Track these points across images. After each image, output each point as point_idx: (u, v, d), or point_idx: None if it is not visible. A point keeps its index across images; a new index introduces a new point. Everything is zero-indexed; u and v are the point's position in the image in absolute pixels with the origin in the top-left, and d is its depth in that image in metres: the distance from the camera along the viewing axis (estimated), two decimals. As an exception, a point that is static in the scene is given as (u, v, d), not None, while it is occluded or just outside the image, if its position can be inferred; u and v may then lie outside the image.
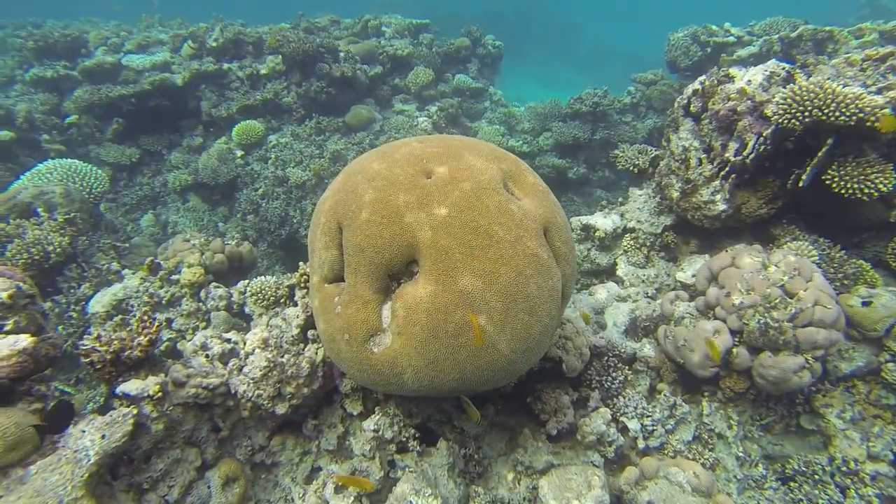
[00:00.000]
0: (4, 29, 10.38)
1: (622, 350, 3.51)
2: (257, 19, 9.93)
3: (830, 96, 2.94)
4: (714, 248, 4.07)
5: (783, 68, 3.59)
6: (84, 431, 2.26)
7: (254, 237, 6.24)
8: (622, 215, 4.53)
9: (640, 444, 3.12)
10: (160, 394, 2.45)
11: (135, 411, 2.36)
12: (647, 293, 4.03)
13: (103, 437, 2.26)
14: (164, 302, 4.00)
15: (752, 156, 3.45)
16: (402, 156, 2.56)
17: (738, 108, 3.55)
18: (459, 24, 11.71)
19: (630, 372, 3.45)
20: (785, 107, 3.13)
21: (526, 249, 2.35)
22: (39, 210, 4.40)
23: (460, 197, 2.36)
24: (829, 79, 3.36)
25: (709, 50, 7.08)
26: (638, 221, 4.39)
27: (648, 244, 4.30)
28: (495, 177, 2.53)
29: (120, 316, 3.89)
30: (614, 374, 3.35)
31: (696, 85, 3.94)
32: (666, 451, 3.18)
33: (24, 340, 2.17)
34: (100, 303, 4.06)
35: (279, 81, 7.48)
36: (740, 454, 3.10)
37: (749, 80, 3.62)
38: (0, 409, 2.08)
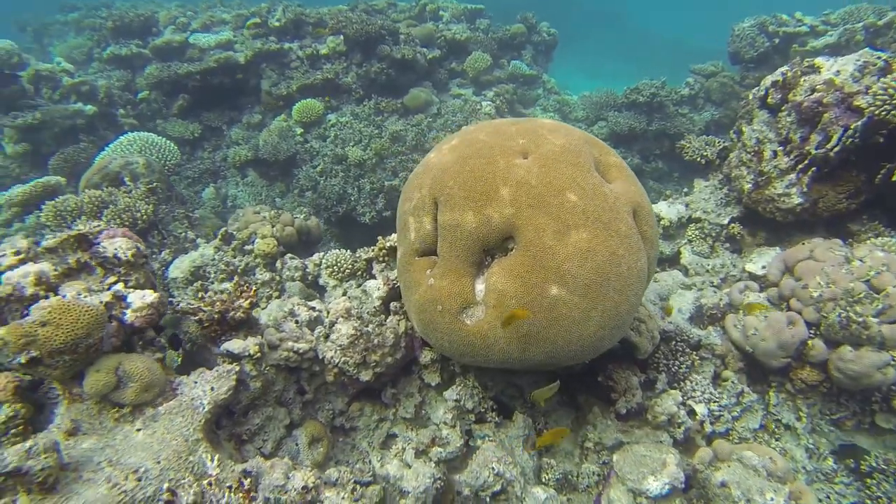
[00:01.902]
0: (80, 11, 10.83)
1: (689, 336, 3.53)
2: (314, 1, 10.07)
3: (931, 89, 2.87)
4: (784, 241, 4.03)
5: (879, 57, 3.50)
6: (196, 382, 2.44)
7: (311, 213, 6.42)
8: (687, 205, 4.51)
9: (707, 428, 3.16)
10: (259, 354, 2.62)
11: (237, 368, 2.53)
12: (712, 282, 4.03)
13: (212, 389, 2.43)
14: (239, 270, 4.19)
15: (837, 148, 3.39)
16: (498, 137, 2.63)
17: (825, 100, 3.49)
18: (510, 10, 11.61)
19: (697, 357, 3.48)
20: (885, 97, 3.07)
21: (619, 230, 2.41)
22: (126, 179, 4.65)
23: (556, 177, 2.43)
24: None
25: (776, 41, 6.88)
26: (704, 212, 4.37)
27: (714, 234, 4.28)
28: (588, 160, 2.59)
29: (199, 282, 4.10)
30: (682, 359, 3.38)
31: (777, 76, 3.88)
32: (731, 438, 3.21)
33: (151, 295, 2.35)
34: (178, 269, 4.29)
35: (339, 62, 7.61)
36: (810, 446, 3.11)
37: (838, 71, 3.55)
38: (135, 355, 2.27)
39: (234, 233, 4.44)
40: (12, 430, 2.06)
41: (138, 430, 2.26)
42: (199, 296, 3.69)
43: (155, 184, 4.68)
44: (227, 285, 3.93)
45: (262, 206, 4.77)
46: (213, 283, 4.04)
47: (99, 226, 2.80)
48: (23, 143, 6.03)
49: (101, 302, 2.34)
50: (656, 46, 24.00)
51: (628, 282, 2.42)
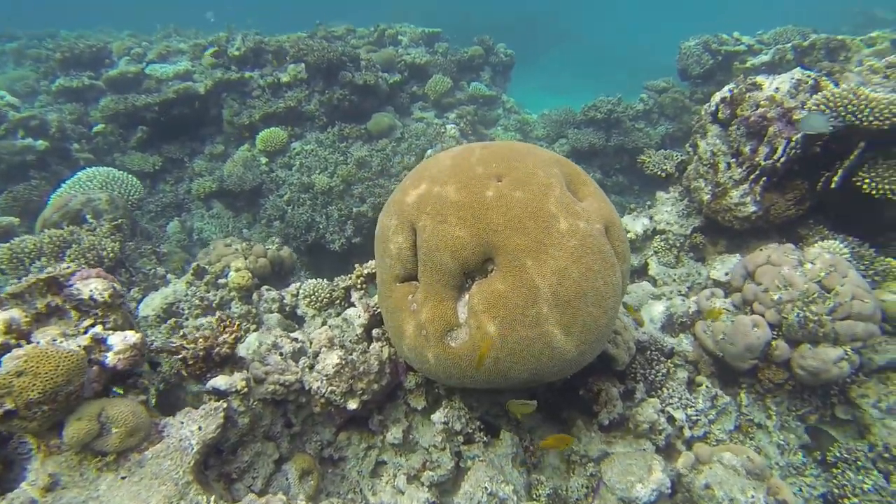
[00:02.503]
0: (19, 40, 10.48)
1: (663, 345, 3.67)
2: (270, 29, 10.09)
3: (864, 102, 3.14)
4: (742, 248, 4.26)
5: (809, 76, 3.79)
6: (182, 423, 2.40)
7: (282, 243, 6.37)
8: (651, 218, 4.71)
9: (687, 433, 3.28)
10: (246, 389, 2.59)
11: (224, 405, 2.50)
12: (680, 291, 4.21)
13: (199, 428, 2.39)
14: (214, 305, 4.12)
15: (782, 159, 3.64)
16: (471, 160, 2.72)
17: (768, 115, 3.74)
18: (465, 33, 11.91)
19: (671, 365, 3.61)
20: (818, 113, 3.33)
21: (594, 247, 2.51)
22: (88, 216, 4.52)
23: (531, 198, 2.52)
24: (856, 85, 3.56)
25: (720, 58, 7.32)
26: (667, 223, 4.57)
27: (678, 245, 4.49)
28: (560, 179, 2.70)
29: (173, 319, 4.01)
30: (657, 368, 3.51)
31: (725, 93, 4.14)
32: (709, 440, 3.34)
33: (133, 336, 2.31)
34: (149, 306, 4.18)
35: (300, 89, 7.63)
36: (780, 442, 3.27)
37: (777, 88, 3.82)
38: (118, 398, 2.21)
39: (207, 267, 4.36)
40: (-19, 494, 1.97)
41: (122, 477, 2.20)
42: (181, 333, 3.61)
43: (120, 220, 4.57)
44: (203, 321, 3.86)
45: (232, 239, 4.71)
46: (187, 319, 3.96)
47: (69, 267, 2.73)
48: (-31, 182, 5.78)
49: (80, 346, 2.28)
50: (610, 62, 25.00)
51: (605, 296, 2.52)
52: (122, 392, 2.39)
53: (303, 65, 7.55)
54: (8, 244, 3.87)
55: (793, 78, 3.83)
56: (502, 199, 2.52)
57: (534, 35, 26.16)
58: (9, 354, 2.02)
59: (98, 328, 2.41)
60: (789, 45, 6.03)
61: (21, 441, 2.22)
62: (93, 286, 2.58)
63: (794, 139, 3.60)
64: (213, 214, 7.20)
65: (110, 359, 2.29)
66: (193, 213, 7.30)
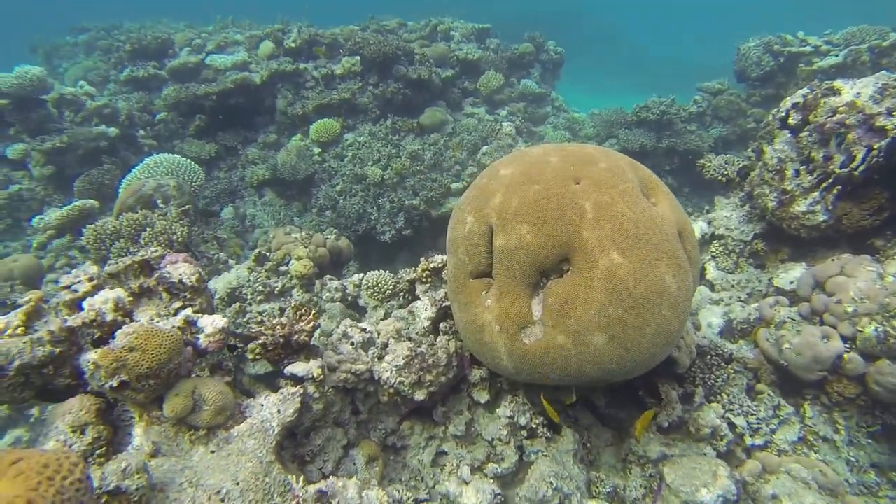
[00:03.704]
0: (90, 32, 10.97)
1: (723, 350, 3.63)
2: (321, 21, 10.25)
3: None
4: (807, 256, 4.15)
5: None
6: (262, 405, 2.51)
7: (337, 233, 6.51)
8: (709, 222, 4.64)
9: (748, 440, 3.25)
10: (321, 376, 2.69)
11: (301, 391, 2.60)
12: (739, 297, 4.14)
13: (279, 411, 2.50)
14: (276, 292, 4.27)
15: (862, 167, 3.53)
16: (549, 162, 2.75)
17: (847, 121, 3.64)
18: (511, 28, 11.85)
19: (731, 371, 3.57)
20: (906, 121, 3.22)
21: (668, 251, 2.51)
22: (158, 201, 4.73)
23: (609, 201, 2.54)
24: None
25: (782, 60, 7.10)
26: (727, 228, 4.49)
27: (737, 251, 4.41)
28: (635, 184, 2.70)
29: (237, 303, 4.17)
30: (717, 373, 3.48)
31: (798, 98, 4.03)
32: (771, 450, 3.30)
33: (221, 320, 2.43)
34: (214, 289, 4.35)
35: (354, 81, 7.76)
36: (850, 458, 3.21)
37: (858, 93, 3.70)
38: (208, 378, 2.34)
39: (267, 254, 4.51)
40: (97, 452, 2.12)
41: (212, 451, 2.32)
42: (252, 318, 3.76)
43: (187, 205, 4.76)
44: (266, 307, 4.00)
45: (291, 227, 4.85)
46: (250, 304, 4.11)
47: (157, 251, 2.88)
48: (48, 165, 6.11)
49: (175, 327, 2.41)
50: (652, 63, 24.52)
51: (678, 300, 2.52)
52: (209, 371, 2.52)
53: (357, 58, 7.67)
54: (93, 226, 4.10)
55: (877, 82, 3.70)
56: (579, 202, 2.54)
57: (578, 33, 25.79)
58: (121, 330, 2.16)
59: (189, 311, 2.54)
60: (864, 46, 5.79)
61: (124, 409, 2.37)
62: (182, 270, 2.72)
63: (876, 147, 3.49)
64: (265, 202, 7.41)
65: (202, 341, 2.42)
66: (246, 200, 7.53)
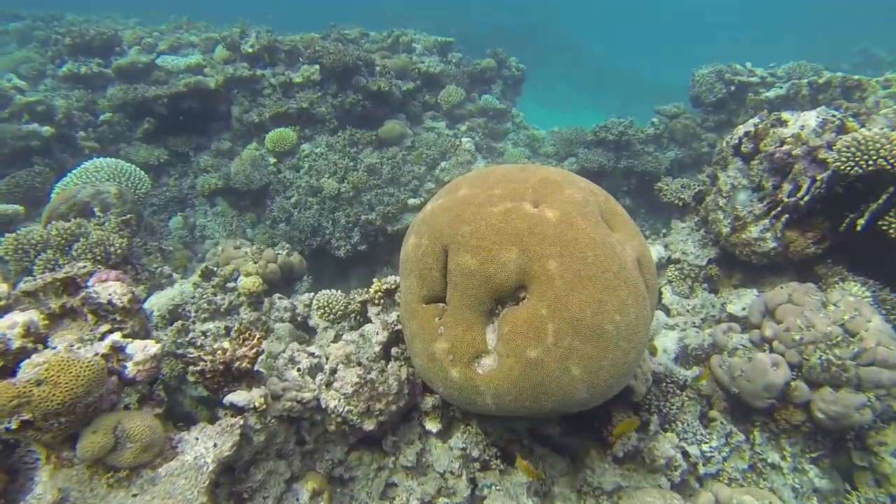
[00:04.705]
0: (24, 21, 10.30)
1: (678, 377, 3.64)
2: (281, 27, 10.00)
3: None
4: (758, 282, 4.25)
5: (835, 116, 3.80)
6: (198, 439, 2.31)
7: (289, 248, 6.28)
8: (666, 246, 4.70)
9: (701, 469, 3.24)
10: (264, 406, 2.51)
11: (241, 422, 2.41)
12: (694, 322, 4.19)
13: (215, 445, 2.31)
14: (222, 310, 4.02)
15: (807, 198, 3.64)
16: (509, 184, 2.67)
17: (794, 152, 3.75)
18: (474, 42, 11.88)
19: (686, 398, 3.58)
20: (848, 154, 3.33)
21: (627, 280, 2.47)
22: (95, 210, 4.41)
23: (568, 227, 2.48)
24: (884, 129, 3.58)
25: (733, 88, 7.38)
26: (683, 253, 4.56)
27: (693, 275, 4.47)
28: (595, 209, 2.66)
29: (180, 321, 3.90)
30: (672, 400, 3.47)
31: (749, 127, 4.14)
32: (722, 479, 3.31)
33: (154, 346, 2.22)
34: (154, 306, 4.07)
35: (312, 91, 7.56)
36: (795, 485, 3.24)
37: (802, 126, 3.82)
38: (135, 412, 2.12)
39: (215, 269, 4.27)
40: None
41: (134, 495, 2.11)
42: (190, 339, 3.51)
43: (129, 215, 4.46)
44: (211, 325, 3.76)
45: (241, 241, 4.62)
46: (194, 322, 3.85)
47: (86, 267, 2.64)
48: (-32, 165, 5.63)
49: (98, 354, 2.19)
50: (609, 78, 25.23)
51: (636, 330, 2.48)
52: (137, 403, 2.30)
53: (317, 66, 7.49)
54: (14, 234, 3.75)
55: (819, 117, 3.84)
56: (538, 227, 2.47)
57: (536, 47, 26.29)
58: (28, 361, 1.94)
59: (117, 335, 2.32)
60: (805, 80, 6.09)
61: (29, 450, 2.13)
62: (112, 289, 2.49)
63: (819, 178, 3.60)
64: (216, 212, 7.09)
65: (130, 369, 2.20)
66: (197, 209, 7.19)
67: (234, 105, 7.68)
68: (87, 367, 1.98)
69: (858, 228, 3.44)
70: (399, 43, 9.15)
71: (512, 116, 9.24)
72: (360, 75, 7.41)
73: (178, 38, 8.52)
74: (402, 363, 3.01)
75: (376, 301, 3.41)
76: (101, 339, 2.32)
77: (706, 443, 3.32)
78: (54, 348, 2.16)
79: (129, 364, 2.19)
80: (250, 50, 7.78)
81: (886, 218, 3.37)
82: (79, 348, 2.19)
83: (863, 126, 3.75)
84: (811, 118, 3.91)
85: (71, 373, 1.94)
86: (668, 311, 4.36)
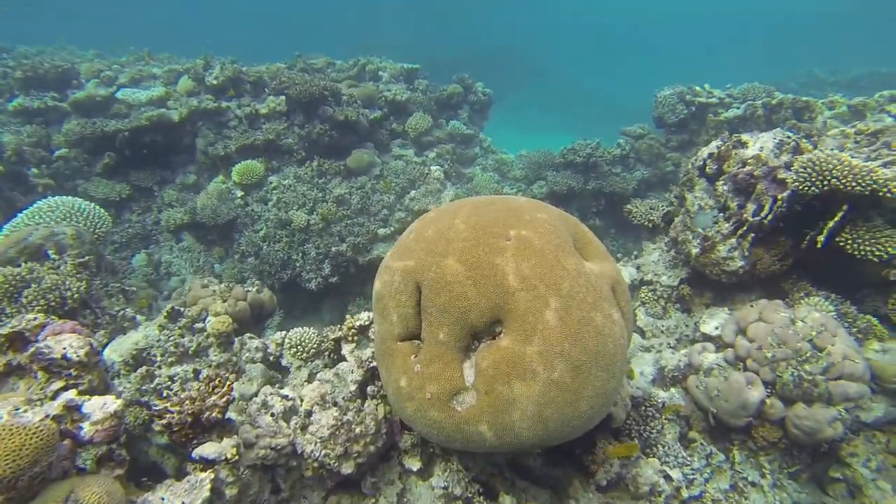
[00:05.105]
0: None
1: (656, 400, 3.64)
2: (246, 58, 9.94)
3: (847, 168, 3.27)
4: (727, 300, 4.32)
5: (791, 137, 3.94)
6: (163, 499, 2.17)
7: (263, 285, 6.13)
8: (638, 268, 4.75)
9: (684, 493, 3.23)
10: (236, 456, 2.39)
11: (211, 475, 2.29)
12: (669, 343, 4.22)
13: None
14: (190, 352, 3.87)
15: (769, 217, 3.74)
16: (480, 217, 2.66)
17: (755, 173, 3.86)
18: (442, 67, 12.03)
19: (665, 420, 3.58)
20: (805, 175, 3.44)
21: (603, 309, 2.47)
22: (50, 252, 4.22)
23: (542, 259, 2.47)
24: (834, 150, 3.72)
25: (693, 109, 7.63)
26: (655, 274, 4.61)
27: (665, 296, 4.52)
28: (568, 239, 2.67)
29: (144, 367, 3.73)
30: (652, 424, 3.46)
31: (713, 149, 4.26)
32: (705, 501, 3.30)
33: (114, 403, 2.09)
34: (116, 352, 3.88)
35: (279, 122, 7.50)
36: (775, 502, 3.25)
37: (761, 147, 3.95)
38: (91, 477, 1.98)
39: (182, 309, 4.11)
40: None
41: (94, 566, 1.96)
42: (166, 394, 3.34)
43: (87, 256, 4.28)
44: (178, 369, 3.60)
45: (209, 279, 4.47)
46: (160, 367, 3.69)
47: (36, 319, 2.50)
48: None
49: (49, 416, 2.05)
50: (578, 100, 25.91)
51: (615, 359, 2.47)
52: (94, 465, 2.15)
53: (283, 97, 7.44)
54: (-41, 284, 3.55)
55: (775, 138, 3.97)
56: (512, 260, 2.45)
57: (510, 71, 26.86)
58: (-31, 431, 1.79)
59: (71, 393, 2.19)
60: (759, 101, 6.34)
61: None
62: (67, 343, 2.35)
63: (780, 198, 3.71)
64: (182, 248, 6.89)
65: (86, 430, 2.07)
66: (162, 245, 6.98)
67: (199, 137, 7.54)
68: (33, 434, 1.84)
69: (819, 245, 3.54)
70: (365, 71, 9.20)
71: (480, 141, 9.34)
72: (327, 105, 7.40)
73: (139, 70, 8.38)
74: (379, 401, 2.93)
75: (350, 338, 3.33)
76: (54, 398, 2.18)
77: (688, 465, 3.32)
78: None
79: (86, 424, 2.06)
80: (215, 82, 7.69)
81: (843, 234, 3.48)
82: (25, 411, 2.04)
83: (815, 147, 3.90)
84: (769, 139, 4.05)
85: (13, 442, 1.79)
86: (643, 333, 4.39)
